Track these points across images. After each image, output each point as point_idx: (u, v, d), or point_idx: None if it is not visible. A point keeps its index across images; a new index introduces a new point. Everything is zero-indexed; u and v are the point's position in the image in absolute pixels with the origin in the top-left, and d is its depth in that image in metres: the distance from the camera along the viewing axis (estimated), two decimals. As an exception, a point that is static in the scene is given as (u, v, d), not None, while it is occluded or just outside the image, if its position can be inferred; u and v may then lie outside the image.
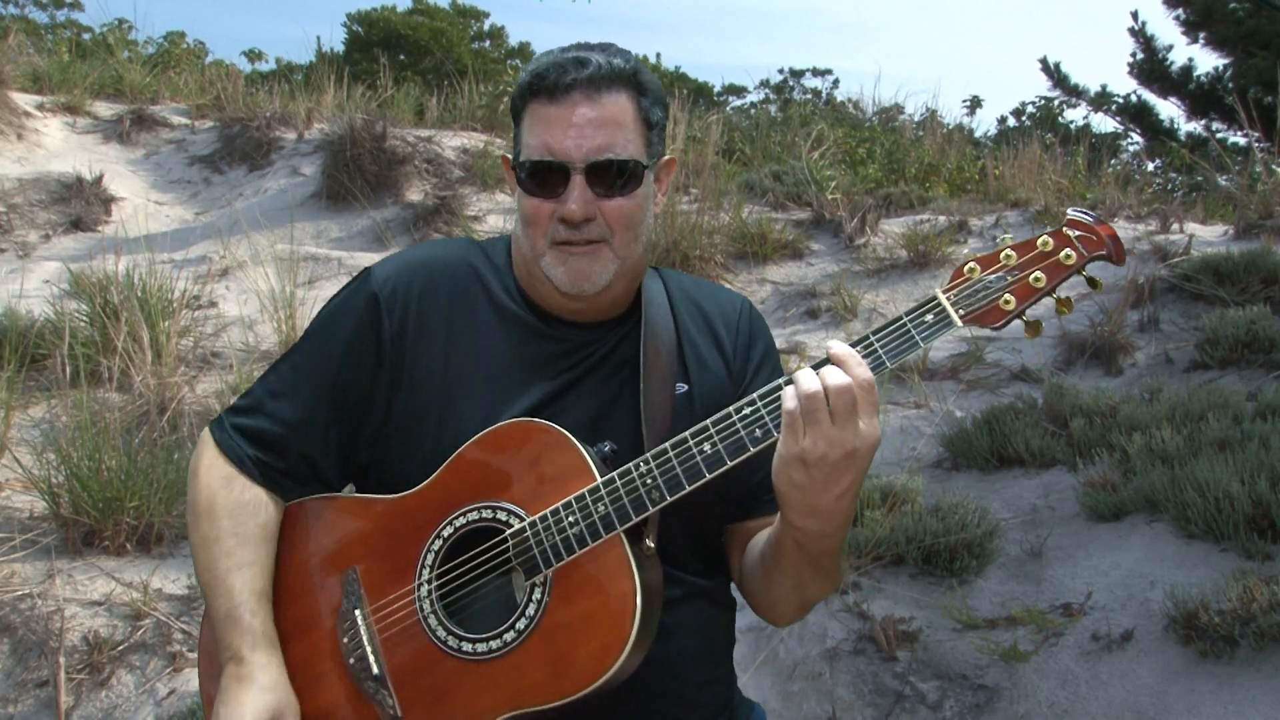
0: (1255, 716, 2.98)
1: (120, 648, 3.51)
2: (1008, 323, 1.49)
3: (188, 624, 3.59)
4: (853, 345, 1.48)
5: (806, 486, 1.44)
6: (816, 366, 1.46)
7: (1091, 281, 1.50)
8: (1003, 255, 1.49)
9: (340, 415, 1.72)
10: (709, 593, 1.75)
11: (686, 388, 1.72)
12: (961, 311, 1.49)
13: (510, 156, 1.72)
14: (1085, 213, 1.50)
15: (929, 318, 1.48)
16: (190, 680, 3.41)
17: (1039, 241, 1.49)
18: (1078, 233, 1.49)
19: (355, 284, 1.76)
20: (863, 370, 1.43)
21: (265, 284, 5.86)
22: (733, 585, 1.84)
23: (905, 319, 1.50)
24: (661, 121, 1.69)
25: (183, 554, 3.98)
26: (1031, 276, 1.48)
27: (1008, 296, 1.48)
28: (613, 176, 1.62)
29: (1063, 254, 1.48)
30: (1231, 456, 3.82)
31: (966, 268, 1.50)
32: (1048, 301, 1.51)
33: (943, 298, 1.49)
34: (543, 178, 1.62)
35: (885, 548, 3.81)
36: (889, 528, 3.83)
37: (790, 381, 1.46)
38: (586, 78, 1.59)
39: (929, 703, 3.32)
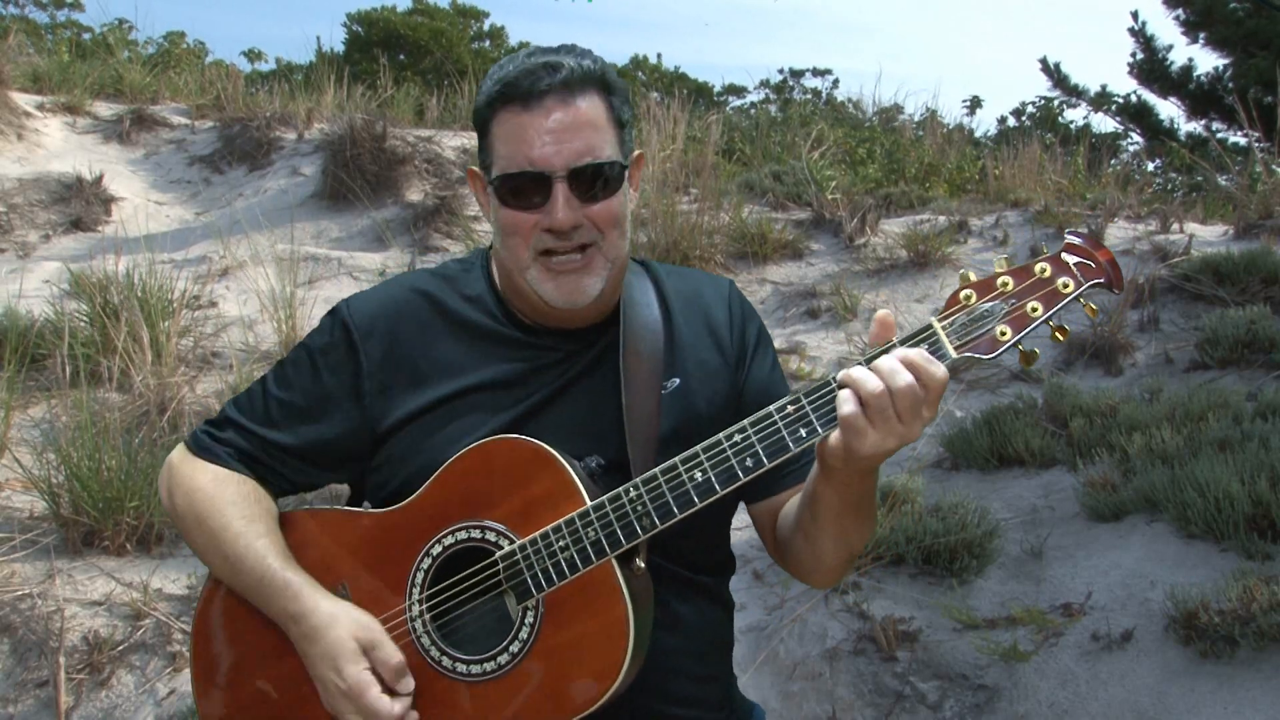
0: (1255, 716, 2.98)
1: (120, 648, 3.51)
2: (1003, 353, 1.44)
3: (187, 624, 3.58)
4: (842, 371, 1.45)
5: (861, 461, 1.44)
6: (868, 359, 1.43)
7: (1090, 309, 1.46)
8: (999, 282, 1.44)
9: (310, 450, 1.71)
10: (707, 590, 1.75)
11: (679, 381, 1.70)
12: (956, 341, 1.44)
13: (479, 170, 1.68)
14: (1083, 236, 1.46)
15: (923, 347, 1.44)
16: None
17: (1036, 268, 1.44)
18: (1076, 259, 1.44)
19: (329, 320, 1.75)
20: (937, 369, 1.40)
21: (265, 284, 5.86)
22: (730, 583, 1.83)
23: (901, 347, 1.45)
24: (631, 119, 1.67)
25: (183, 554, 3.98)
26: (1028, 306, 1.43)
27: (1003, 327, 1.43)
28: (596, 181, 1.59)
29: (1060, 282, 1.43)
30: (1231, 456, 3.82)
31: (962, 294, 1.45)
32: (1043, 329, 1.46)
33: (938, 327, 1.45)
34: (522, 189, 1.59)
35: (885, 548, 3.81)
36: (889, 528, 3.84)
37: (806, 404, 1.45)
38: (560, 82, 1.56)
39: (929, 703, 3.32)
